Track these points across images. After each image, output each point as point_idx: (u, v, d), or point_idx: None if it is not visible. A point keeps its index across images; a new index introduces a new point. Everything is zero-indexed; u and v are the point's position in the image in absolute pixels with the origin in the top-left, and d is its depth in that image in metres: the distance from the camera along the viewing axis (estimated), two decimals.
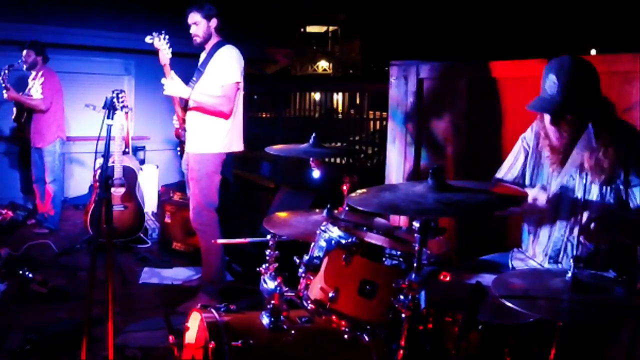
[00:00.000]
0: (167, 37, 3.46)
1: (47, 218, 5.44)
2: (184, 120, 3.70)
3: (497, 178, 2.36)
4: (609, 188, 2.05)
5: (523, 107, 2.10)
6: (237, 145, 3.75)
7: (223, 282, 3.80)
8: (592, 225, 1.97)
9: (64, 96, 5.48)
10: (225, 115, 3.58)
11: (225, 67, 3.53)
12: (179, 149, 3.87)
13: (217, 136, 3.61)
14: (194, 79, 3.64)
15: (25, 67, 5.28)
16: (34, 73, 5.31)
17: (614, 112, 2.09)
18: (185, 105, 3.68)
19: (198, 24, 3.57)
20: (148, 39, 3.44)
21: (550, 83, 1.98)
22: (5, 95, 5.24)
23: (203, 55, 3.68)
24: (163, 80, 3.51)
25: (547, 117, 2.07)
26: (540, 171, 2.25)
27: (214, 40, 3.64)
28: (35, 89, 5.25)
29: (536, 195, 2.19)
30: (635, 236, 2.03)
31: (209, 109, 3.56)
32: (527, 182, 2.30)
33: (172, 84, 3.49)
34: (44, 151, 5.33)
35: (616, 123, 2.09)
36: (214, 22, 3.60)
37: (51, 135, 5.31)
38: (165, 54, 3.48)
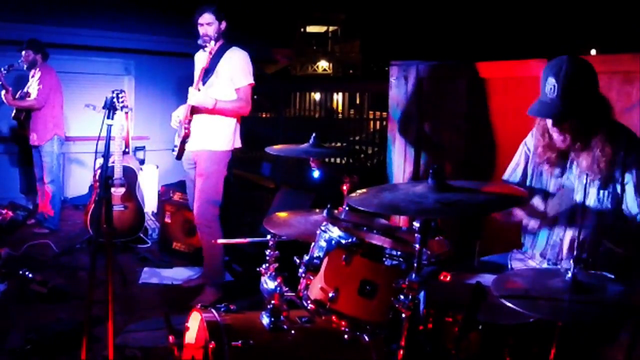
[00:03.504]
0: None
1: (47, 218, 5.44)
2: (189, 121, 3.67)
3: (503, 180, 2.37)
4: (606, 192, 2.05)
5: (523, 107, 2.10)
6: (239, 142, 3.89)
7: (223, 278, 3.92)
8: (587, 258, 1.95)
9: (64, 96, 5.48)
10: (244, 117, 3.79)
11: (239, 71, 3.66)
12: (174, 150, 3.79)
13: (226, 134, 3.74)
14: (202, 80, 3.65)
15: (25, 66, 5.28)
16: (33, 71, 5.31)
17: (612, 113, 2.09)
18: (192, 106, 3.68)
19: (211, 25, 3.65)
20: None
21: (550, 86, 1.96)
22: (2, 98, 5.25)
23: (202, 56, 3.71)
24: (190, 90, 3.59)
25: (549, 120, 2.06)
26: (540, 174, 2.26)
27: (219, 41, 3.70)
28: (33, 87, 5.25)
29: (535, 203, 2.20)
30: (633, 246, 2.02)
31: (230, 114, 3.70)
32: (528, 184, 2.30)
33: (198, 95, 3.57)
34: (42, 151, 5.32)
35: (614, 124, 2.09)
36: (224, 25, 3.70)
37: (48, 132, 5.28)
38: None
